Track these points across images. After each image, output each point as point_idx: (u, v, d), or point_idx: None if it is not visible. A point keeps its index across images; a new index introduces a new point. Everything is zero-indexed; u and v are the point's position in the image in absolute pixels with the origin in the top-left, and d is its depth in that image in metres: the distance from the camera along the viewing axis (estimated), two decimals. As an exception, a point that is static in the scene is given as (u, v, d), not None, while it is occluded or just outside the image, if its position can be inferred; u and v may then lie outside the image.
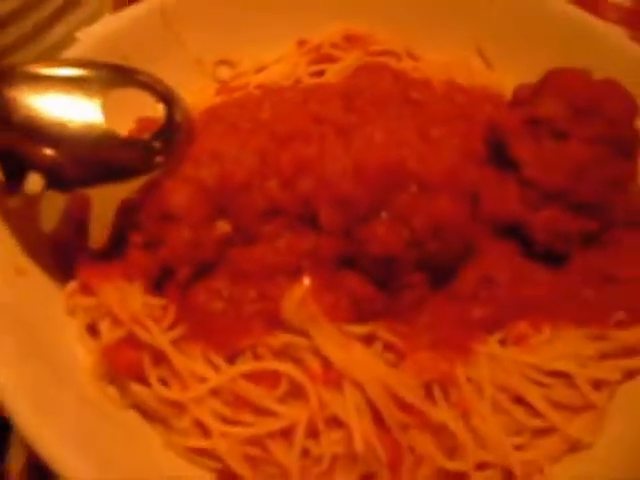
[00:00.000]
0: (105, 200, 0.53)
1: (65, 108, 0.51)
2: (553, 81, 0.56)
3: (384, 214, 0.49)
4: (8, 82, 0.52)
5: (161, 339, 0.51)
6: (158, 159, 0.52)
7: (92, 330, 0.55)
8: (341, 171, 0.49)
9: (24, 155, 0.51)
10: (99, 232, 0.54)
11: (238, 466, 0.49)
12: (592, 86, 0.55)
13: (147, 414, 0.53)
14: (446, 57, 0.73)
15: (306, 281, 0.50)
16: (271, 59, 0.74)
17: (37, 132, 0.51)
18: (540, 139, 0.54)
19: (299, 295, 0.50)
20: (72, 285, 0.56)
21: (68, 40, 0.74)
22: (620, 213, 0.58)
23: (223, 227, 0.51)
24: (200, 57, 0.73)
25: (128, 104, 0.55)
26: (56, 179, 0.51)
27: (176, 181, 0.51)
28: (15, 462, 0.61)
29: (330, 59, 0.73)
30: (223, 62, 0.74)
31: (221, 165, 0.51)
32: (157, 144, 0.53)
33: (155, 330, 0.51)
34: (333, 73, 0.71)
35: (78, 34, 0.79)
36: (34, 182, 0.52)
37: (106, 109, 0.52)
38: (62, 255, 0.57)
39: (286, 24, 0.74)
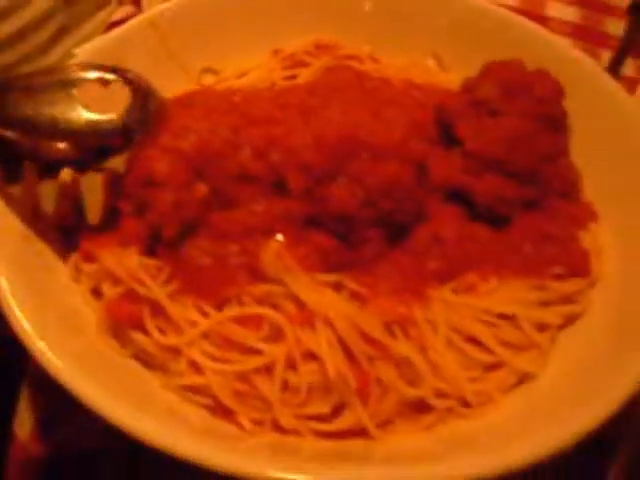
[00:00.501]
0: (93, 178, 0.62)
1: (52, 105, 0.62)
2: (491, 70, 0.66)
3: (341, 178, 0.58)
4: (7, 89, 0.63)
5: (158, 292, 0.58)
6: (134, 138, 0.61)
7: (95, 294, 0.63)
8: (303, 142, 0.58)
9: (19, 147, 0.61)
10: (94, 208, 0.62)
11: (228, 400, 0.56)
12: (524, 72, 0.65)
13: (146, 363, 0.60)
14: (405, 61, 0.83)
15: (280, 237, 0.59)
16: (250, 66, 0.83)
17: (30, 127, 0.61)
18: (479, 117, 0.64)
19: (275, 248, 0.58)
20: (75, 255, 0.63)
21: (66, 59, 0.83)
22: (556, 183, 0.67)
23: (201, 189, 0.59)
24: (187, 66, 0.81)
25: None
26: (48, 165, 0.61)
27: (157, 151, 0.59)
28: (23, 426, 0.68)
29: (302, 64, 0.83)
30: (208, 70, 0.83)
31: (198, 136, 0.60)
32: (131, 125, 0.61)
33: (152, 285, 0.58)
34: (304, 77, 0.80)
35: (75, 50, 0.89)
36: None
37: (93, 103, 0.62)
38: (64, 233, 0.65)
39: (263, 36, 0.83)
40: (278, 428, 0.56)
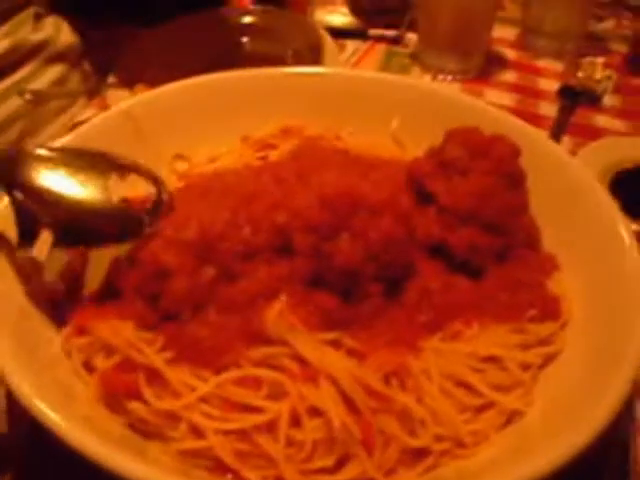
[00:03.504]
0: (101, 257, 0.65)
1: (79, 184, 0.65)
2: (453, 135, 0.72)
3: (344, 234, 0.61)
4: (29, 161, 0.65)
5: (155, 358, 0.59)
6: (146, 229, 0.65)
7: (87, 367, 0.62)
8: (307, 203, 0.61)
9: (38, 215, 0.62)
10: (93, 283, 0.65)
11: (230, 460, 0.56)
12: (483, 136, 0.71)
13: (143, 432, 0.59)
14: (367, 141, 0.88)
15: (283, 298, 0.61)
16: (220, 152, 0.87)
17: (52, 200, 0.64)
18: (448, 176, 0.69)
19: (278, 309, 0.60)
20: (67, 329, 0.63)
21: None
22: (520, 235, 0.72)
23: (209, 272, 0.61)
24: (160, 153, 0.85)
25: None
26: (63, 238, 0.63)
27: (162, 244, 0.61)
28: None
29: (271, 148, 0.87)
30: (179, 157, 0.87)
31: (199, 223, 0.62)
32: (147, 217, 0.66)
33: (148, 351, 0.59)
34: (275, 157, 0.85)
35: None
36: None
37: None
38: (59, 304, 0.65)
39: (231, 124, 0.88)
40: (283, 484, 0.56)
